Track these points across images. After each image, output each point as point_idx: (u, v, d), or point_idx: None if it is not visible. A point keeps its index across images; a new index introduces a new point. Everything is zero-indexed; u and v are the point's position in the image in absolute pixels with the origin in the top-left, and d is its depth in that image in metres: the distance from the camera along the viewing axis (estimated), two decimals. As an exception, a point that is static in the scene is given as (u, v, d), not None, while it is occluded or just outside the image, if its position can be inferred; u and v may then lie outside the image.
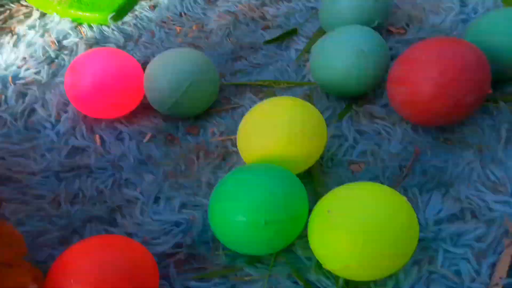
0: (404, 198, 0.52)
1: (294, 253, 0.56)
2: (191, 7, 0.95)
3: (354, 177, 0.64)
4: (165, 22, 0.92)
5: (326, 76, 0.71)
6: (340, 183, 0.56)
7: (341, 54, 0.69)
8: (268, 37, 0.86)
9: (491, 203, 0.59)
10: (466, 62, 0.62)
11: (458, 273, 0.54)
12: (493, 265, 0.54)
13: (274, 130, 0.59)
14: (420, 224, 0.58)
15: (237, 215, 0.51)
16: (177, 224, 0.60)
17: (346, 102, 0.74)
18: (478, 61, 0.63)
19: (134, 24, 0.92)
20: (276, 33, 0.87)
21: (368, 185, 0.53)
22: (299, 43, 0.85)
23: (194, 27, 0.90)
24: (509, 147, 0.66)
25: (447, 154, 0.66)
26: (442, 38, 0.66)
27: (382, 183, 0.62)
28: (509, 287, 0.52)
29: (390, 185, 0.62)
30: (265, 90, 0.77)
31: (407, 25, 0.86)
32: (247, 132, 0.61)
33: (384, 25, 0.84)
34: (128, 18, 0.93)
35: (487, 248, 0.55)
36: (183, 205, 0.62)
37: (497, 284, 0.52)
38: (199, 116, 0.74)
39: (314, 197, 0.59)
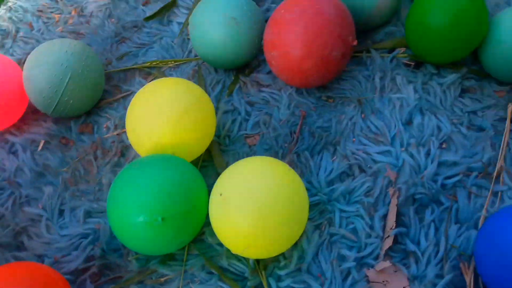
0: (287, 166, 0.49)
1: (205, 242, 0.53)
2: (65, -10, 0.83)
3: (251, 151, 0.61)
4: (41, 11, 0.81)
5: (205, 49, 0.65)
6: (239, 159, 0.52)
7: (213, 24, 0.63)
8: (149, 12, 0.78)
9: (374, 155, 0.59)
10: (327, 18, 0.58)
11: (354, 231, 0.53)
12: (385, 217, 0.53)
13: (157, 116, 0.52)
14: (314, 187, 0.56)
15: (133, 217, 0.46)
16: (84, 236, 0.54)
17: (234, 73, 0.69)
18: (339, 15, 0.59)
19: (9, 18, 0.80)
20: (157, 7, 0.78)
21: (252, 161, 0.50)
22: (180, 16, 0.77)
23: (73, 12, 0.80)
24: (384, 95, 0.64)
25: (331, 112, 0.64)
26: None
27: (276, 152, 0.60)
28: (399, 235, 0.52)
29: (284, 152, 0.60)
30: (154, 72, 0.70)
31: (281, -18, 0.80)
32: (133, 124, 0.54)
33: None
34: (0, 11, 0.81)
35: (376, 201, 0.55)
36: (87, 214, 0.57)
37: (389, 236, 0.51)
38: (90, 111, 0.66)
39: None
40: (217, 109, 0.64)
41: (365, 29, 0.71)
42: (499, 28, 0.60)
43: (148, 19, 0.77)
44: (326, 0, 0.60)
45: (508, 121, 0.61)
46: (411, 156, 0.58)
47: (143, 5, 0.80)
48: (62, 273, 0.51)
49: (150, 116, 0.53)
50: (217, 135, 0.61)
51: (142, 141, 0.53)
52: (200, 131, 0.54)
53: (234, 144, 0.61)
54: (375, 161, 0.58)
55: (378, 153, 0.59)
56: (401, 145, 0.59)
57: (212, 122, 0.56)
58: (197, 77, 0.68)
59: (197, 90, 0.56)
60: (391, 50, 0.69)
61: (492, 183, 0.56)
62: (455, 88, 0.64)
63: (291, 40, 0.58)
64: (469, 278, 0.49)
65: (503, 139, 0.59)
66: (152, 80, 0.68)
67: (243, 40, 0.63)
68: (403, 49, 0.69)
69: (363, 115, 0.63)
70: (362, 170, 0.58)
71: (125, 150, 0.62)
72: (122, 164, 0.60)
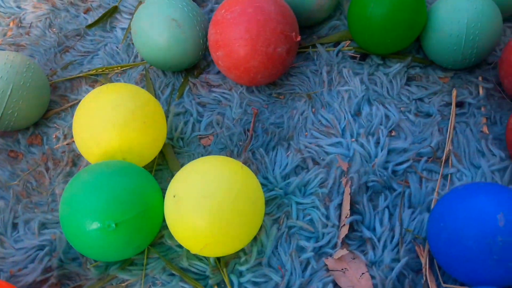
0: (240, 163, 0.51)
1: (165, 244, 0.54)
2: (1, 2, 0.82)
3: (206, 151, 0.62)
4: (-23, 25, 0.80)
5: (149, 53, 0.66)
6: (194, 161, 0.54)
7: (155, 28, 0.64)
8: (91, 20, 0.78)
9: (326, 147, 0.61)
10: (268, 15, 0.60)
11: (311, 222, 0.55)
12: (339, 206, 0.56)
13: (103, 122, 0.53)
14: (271, 182, 0.58)
15: (86, 225, 0.46)
16: (41, 247, 0.55)
17: (183, 75, 0.70)
18: (280, 12, 0.61)
19: None
20: (99, 14, 0.79)
21: (204, 160, 0.51)
22: (123, 21, 0.78)
23: (11, 24, 0.79)
24: (332, 88, 0.67)
25: (282, 109, 0.66)
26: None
27: (231, 151, 0.61)
28: (355, 222, 0.55)
29: (239, 151, 0.62)
30: (100, 79, 0.71)
31: (224, -18, 0.82)
32: (80, 132, 0.55)
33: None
34: None
35: (330, 192, 0.57)
36: (43, 225, 0.57)
37: (344, 225, 0.54)
38: (38, 123, 0.66)
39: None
40: (168, 112, 0.65)
41: (309, 25, 0.73)
42: (436, 16, 0.64)
43: (90, 26, 0.77)
44: (267, -2, 0.62)
45: (453, 106, 0.64)
46: (361, 146, 0.61)
47: (85, 13, 0.80)
48: (19, 287, 0.51)
49: (96, 123, 0.53)
50: (170, 137, 0.63)
51: (90, 148, 0.54)
52: (149, 135, 0.55)
53: (188, 145, 0.63)
54: (327, 153, 0.61)
55: (329, 145, 0.62)
56: (351, 136, 0.62)
57: (162, 124, 0.58)
58: (145, 82, 0.69)
59: (143, 93, 0.57)
60: (337, 43, 0.72)
61: (442, 167, 0.59)
62: (401, 77, 0.68)
63: (235, 39, 0.60)
64: (424, 260, 0.52)
65: (449, 123, 0.63)
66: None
67: (187, 42, 0.65)
68: (348, 42, 0.72)
69: (313, 109, 0.65)
70: (315, 163, 0.60)
71: (76, 159, 0.62)
72: (74, 173, 0.61)
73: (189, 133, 0.64)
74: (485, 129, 0.63)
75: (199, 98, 0.67)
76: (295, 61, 0.70)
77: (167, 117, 0.64)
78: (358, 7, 0.66)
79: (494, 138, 0.62)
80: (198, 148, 0.62)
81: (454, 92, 0.66)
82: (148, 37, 0.64)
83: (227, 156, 0.61)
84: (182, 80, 0.69)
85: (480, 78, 0.68)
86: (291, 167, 0.60)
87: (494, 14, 0.63)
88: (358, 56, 0.71)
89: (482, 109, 0.65)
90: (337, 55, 0.71)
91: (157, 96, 0.67)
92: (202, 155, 0.61)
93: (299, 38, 0.63)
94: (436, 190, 0.57)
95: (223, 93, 0.68)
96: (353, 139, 0.62)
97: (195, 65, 0.70)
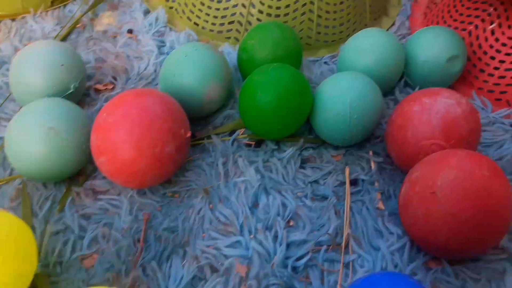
0: None
1: None
2: None
3: (88, 275, 0.48)
4: None
5: (25, 166, 0.52)
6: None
7: (30, 137, 0.51)
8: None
9: (224, 249, 0.50)
10: (153, 114, 0.50)
11: None
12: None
13: None
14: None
15: None
16: None
17: (65, 184, 0.56)
18: (167, 109, 0.51)
19: None
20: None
21: None
22: (1, 130, 0.62)
23: None
24: (229, 180, 0.57)
25: (178, 209, 0.54)
26: (130, 93, 0.52)
27: (119, 270, 0.48)
28: None
29: (128, 268, 0.48)
30: (-34, 200, 0.55)
31: (115, 78, 0.71)
32: None
33: (82, 86, 0.64)
34: None
35: (232, 308, 0.45)
36: None
37: None
38: None
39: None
40: (44, 232, 0.51)
41: (203, 116, 0.63)
42: (322, 98, 0.57)
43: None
44: (150, 97, 0.52)
45: (347, 185, 0.57)
46: (260, 243, 0.50)
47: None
48: None
49: None
50: (46, 264, 0.48)
51: None
52: (10, 274, 0.41)
53: (67, 271, 0.48)
54: (226, 256, 0.50)
55: (227, 246, 0.50)
56: (250, 232, 0.52)
57: (30, 256, 0.43)
58: (22, 196, 0.54)
59: (6, 220, 0.43)
60: (232, 132, 0.62)
61: (342, 254, 0.50)
62: (295, 160, 0.59)
63: (118, 144, 0.49)
64: None
65: (345, 204, 0.54)
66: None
67: (67, 150, 0.52)
68: (242, 130, 0.63)
69: (211, 205, 0.54)
70: (214, 270, 0.49)
71: None
72: None
73: (68, 255, 0.49)
74: (380, 205, 0.56)
75: (82, 209, 0.54)
76: (191, 154, 0.60)
77: (42, 239, 0.50)
78: (247, 95, 0.57)
79: (389, 214, 0.54)
80: (79, 273, 0.48)
81: (347, 171, 0.58)
82: (23, 149, 0.51)
83: (113, 277, 0.47)
84: (64, 191, 0.55)
85: (370, 153, 0.60)
86: (186, 280, 0.47)
87: (374, 91, 0.57)
88: (253, 143, 0.61)
89: (376, 184, 0.57)
90: (232, 144, 0.61)
91: (34, 213, 0.53)
92: (83, 281, 0.47)
93: (189, 134, 0.53)
94: (338, 283, 0.47)
95: (111, 199, 0.54)
96: (252, 236, 0.51)
97: (79, 172, 0.56)
